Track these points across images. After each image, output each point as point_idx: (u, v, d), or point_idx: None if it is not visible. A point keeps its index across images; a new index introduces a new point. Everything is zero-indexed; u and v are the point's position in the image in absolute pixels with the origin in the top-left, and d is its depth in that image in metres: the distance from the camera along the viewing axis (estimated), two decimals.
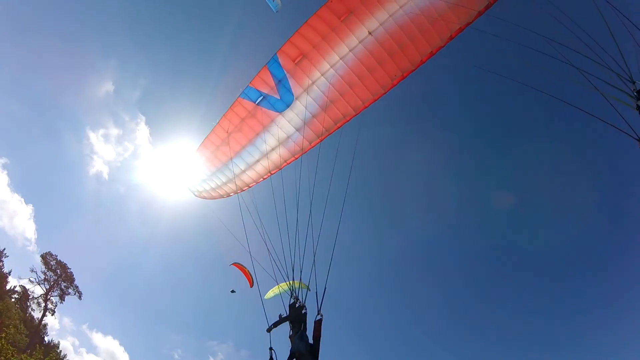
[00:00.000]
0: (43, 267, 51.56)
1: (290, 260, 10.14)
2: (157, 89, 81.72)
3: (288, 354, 8.91)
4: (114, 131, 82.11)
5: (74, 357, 61.08)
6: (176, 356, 75.93)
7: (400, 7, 11.30)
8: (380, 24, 11.67)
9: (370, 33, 11.79)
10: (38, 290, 51.17)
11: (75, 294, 53.45)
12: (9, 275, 48.59)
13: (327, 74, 12.72)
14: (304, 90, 12.96)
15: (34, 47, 67.85)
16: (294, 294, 9.88)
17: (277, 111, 13.50)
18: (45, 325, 51.64)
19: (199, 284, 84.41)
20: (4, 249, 48.33)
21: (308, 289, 9.71)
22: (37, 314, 50.70)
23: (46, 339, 50.30)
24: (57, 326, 69.89)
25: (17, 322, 40.42)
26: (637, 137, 6.18)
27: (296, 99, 13.23)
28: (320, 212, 11.04)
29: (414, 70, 12.49)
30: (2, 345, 29.23)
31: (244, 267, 21.97)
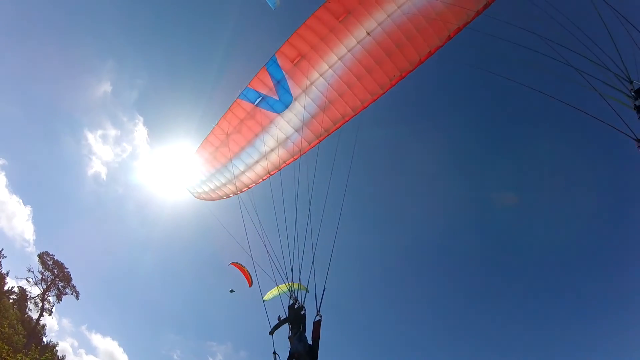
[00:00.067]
0: (40, 267, 51.44)
1: (289, 261, 10.15)
2: (154, 90, 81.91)
3: (287, 355, 8.93)
4: (112, 132, 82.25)
5: (73, 359, 61.07)
6: (175, 357, 75.97)
7: (399, 8, 11.29)
8: (379, 24, 11.66)
9: (368, 33, 11.79)
10: (35, 291, 50.98)
11: (72, 294, 53.36)
12: (7, 275, 48.50)
13: (325, 74, 12.72)
14: (303, 91, 12.96)
15: (32, 49, 68.03)
16: (293, 295, 9.89)
17: (276, 112, 13.50)
18: (43, 326, 51.55)
19: (197, 284, 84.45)
20: (2, 250, 48.30)
21: (307, 290, 9.71)
22: (34, 315, 50.50)
23: (45, 339, 50.17)
24: (56, 327, 69.94)
25: (15, 322, 40.37)
26: (634, 137, 6.18)
27: (295, 99, 13.22)
28: (319, 212, 11.06)
29: (413, 70, 12.48)
30: None
31: (243, 266, 21.88)
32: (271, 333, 9.63)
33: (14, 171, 71.17)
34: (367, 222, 70.73)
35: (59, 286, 52.41)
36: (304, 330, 9.24)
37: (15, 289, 49.36)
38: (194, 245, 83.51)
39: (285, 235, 10.58)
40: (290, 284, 10.06)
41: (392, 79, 12.67)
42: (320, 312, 9.19)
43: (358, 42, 11.99)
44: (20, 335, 40.24)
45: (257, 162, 14.41)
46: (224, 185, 15.22)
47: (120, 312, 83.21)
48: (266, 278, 10.81)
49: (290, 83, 12.99)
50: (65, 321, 71.31)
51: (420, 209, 68.09)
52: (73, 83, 78.14)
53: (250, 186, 15.06)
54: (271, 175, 14.56)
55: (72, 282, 53.11)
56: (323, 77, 12.77)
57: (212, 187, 15.48)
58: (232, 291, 23.83)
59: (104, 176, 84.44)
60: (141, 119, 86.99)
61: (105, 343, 76.63)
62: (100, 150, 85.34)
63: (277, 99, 13.29)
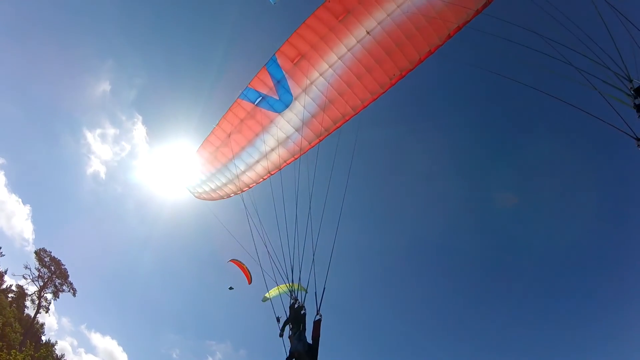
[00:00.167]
0: (37, 264, 51.16)
1: (289, 261, 10.16)
2: (153, 89, 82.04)
3: (287, 354, 8.95)
4: (111, 131, 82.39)
5: (72, 358, 61.18)
6: (174, 356, 76.16)
7: (398, 7, 11.28)
8: (378, 24, 11.65)
9: (368, 33, 11.78)
10: (32, 288, 50.72)
11: (69, 291, 53.00)
12: (5, 274, 48.47)
13: (325, 74, 12.72)
14: (303, 91, 12.96)
15: (30, 48, 68.20)
16: (294, 295, 9.91)
17: (276, 112, 13.50)
18: (42, 324, 51.41)
19: (197, 283, 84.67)
20: (0, 248, 48.30)
21: (305, 291, 9.73)
22: (31, 312, 50.35)
23: (43, 338, 50.04)
24: (55, 326, 70.38)
25: (12, 320, 40.43)
26: (634, 136, 6.16)
27: (295, 99, 13.23)
28: (319, 212, 11.07)
29: (413, 69, 12.47)
30: None
31: (242, 263, 21.76)
32: (281, 335, 9.61)
33: (13, 170, 71.54)
34: (367, 222, 70.82)
35: (56, 283, 52.12)
36: (304, 329, 9.27)
37: (14, 287, 49.19)
38: (193, 244, 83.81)
39: (285, 235, 10.60)
40: (291, 284, 10.07)
41: (392, 78, 12.66)
42: (320, 312, 9.22)
43: (358, 42, 11.98)
44: (17, 334, 40.23)
45: (257, 161, 14.43)
46: (225, 185, 15.25)
47: (119, 311, 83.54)
48: (267, 278, 10.83)
49: (290, 82, 13.00)
50: (64, 320, 71.61)
51: (420, 208, 68.08)
52: (72, 82, 78.39)
53: (250, 186, 15.08)
54: (272, 174, 14.57)
55: (69, 279, 52.96)
56: (323, 77, 12.77)
57: (213, 187, 15.51)
58: (231, 288, 23.61)
59: (103, 175, 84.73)
60: (140, 117, 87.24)
61: (104, 342, 77.05)
62: (99, 149, 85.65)
63: (278, 98, 13.29)
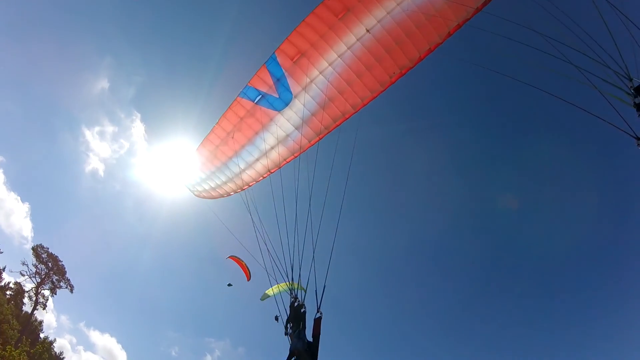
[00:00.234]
0: (34, 260, 50.76)
1: (289, 259, 10.18)
2: (152, 86, 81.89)
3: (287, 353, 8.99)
4: (110, 128, 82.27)
5: (71, 356, 61.22)
6: (173, 353, 76.41)
7: (398, 5, 11.25)
8: (378, 22, 11.62)
9: (368, 31, 11.75)
10: (30, 285, 50.40)
11: (67, 287, 52.71)
12: (3, 271, 48.25)
13: (325, 72, 12.71)
14: (303, 89, 12.95)
15: (29, 45, 67.94)
16: (294, 294, 9.94)
17: (276, 110, 13.49)
18: (41, 322, 51.23)
19: (195, 281, 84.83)
20: None
21: (304, 290, 9.76)
22: (28, 309, 50.07)
23: (42, 336, 49.85)
24: (54, 324, 70.40)
25: (10, 317, 40.40)
26: (634, 135, 6.17)
27: (295, 97, 13.21)
28: (319, 210, 11.08)
29: (412, 67, 12.46)
30: None
31: (241, 260, 21.73)
32: (286, 334, 9.62)
33: (11, 168, 71.40)
34: (367, 220, 70.86)
35: (53, 280, 51.78)
36: (304, 328, 9.30)
37: (12, 285, 48.85)
38: (192, 242, 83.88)
39: (285, 233, 10.62)
40: (290, 283, 10.10)
41: (391, 76, 12.65)
42: (321, 310, 9.26)
43: (357, 40, 11.96)
44: (15, 331, 40.18)
45: (257, 160, 14.43)
46: (225, 183, 15.25)
47: (118, 309, 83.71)
48: (267, 276, 10.85)
49: (290, 81, 12.98)
50: (63, 318, 71.75)
51: (420, 207, 68.07)
52: (70, 80, 78.16)
53: (251, 184, 15.08)
54: (271, 173, 14.58)
55: (67, 275, 52.62)
56: (323, 75, 12.76)
57: (213, 186, 15.51)
58: (230, 285, 23.59)
59: (101, 173, 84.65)
60: (138, 115, 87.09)
61: (103, 340, 77.19)
62: (98, 147, 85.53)
63: (277, 96, 13.28)
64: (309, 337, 9.09)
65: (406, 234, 71.61)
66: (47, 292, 51.37)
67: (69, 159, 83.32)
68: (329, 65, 12.54)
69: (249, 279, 21.64)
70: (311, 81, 12.86)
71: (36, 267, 50.72)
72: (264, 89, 13.18)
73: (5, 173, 70.28)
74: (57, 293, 52.41)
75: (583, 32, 7.03)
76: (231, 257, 22.02)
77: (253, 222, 12.04)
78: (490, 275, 66.24)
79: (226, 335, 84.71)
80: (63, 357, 52.23)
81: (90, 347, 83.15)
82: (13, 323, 41.09)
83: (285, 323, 9.67)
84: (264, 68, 12.90)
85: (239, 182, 14.94)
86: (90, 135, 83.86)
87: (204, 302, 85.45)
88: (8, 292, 47.81)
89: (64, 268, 52.56)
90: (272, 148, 14.08)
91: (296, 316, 9.53)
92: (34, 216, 73.53)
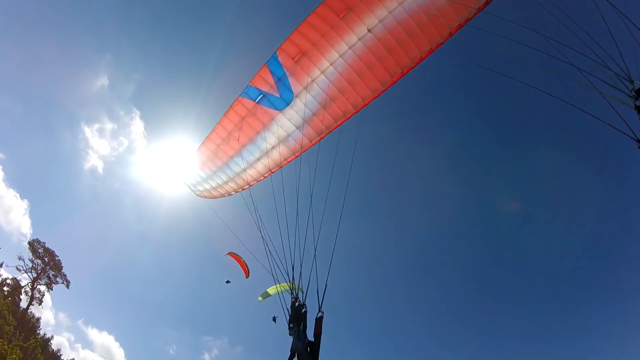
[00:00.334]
0: (31, 255, 50.35)
1: (290, 259, 10.21)
2: (151, 84, 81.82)
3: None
4: (109, 126, 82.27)
5: (69, 353, 61.39)
6: (171, 352, 76.71)
7: (399, 4, 11.25)
8: (380, 21, 11.62)
9: (369, 30, 11.74)
10: (26, 280, 50.06)
11: (63, 282, 52.36)
12: (0, 267, 48.08)
13: (326, 71, 12.71)
14: (304, 88, 12.95)
15: (28, 42, 67.84)
16: (294, 294, 9.97)
17: (277, 109, 13.51)
18: (38, 319, 50.91)
19: (194, 279, 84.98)
20: None
21: (302, 291, 9.81)
22: (25, 305, 49.77)
23: (40, 332, 49.58)
24: (52, 321, 70.61)
25: (5, 312, 40.41)
26: (635, 138, 6.18)
27: (296, 97, 13.23)
28: (320, 209, 11.11)
29: (414, 67, 12.46)
30: None
31: (240, 257, 21.69)
32: (291, 334, 9.64)
33: (10, 165, 71.38)
34: (368, 220, 70.88)
35: (50, 275, 51.38)
36: (305, 328, 9.33)
37: (9, 281, 48.46)
38: (190, 240, 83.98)
39: (286, 233, 10.65)
40: (291, 283, 10.12)
41: (393, 75, 12.65)
42: (322, 309, 9.29)
43: (359, 39, 11.96)
44: (11, 326, 40.15)
45: (258, 159, 14.45)
46: (225, 183, 15.27)
47: (116, 307, 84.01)
48: (267, 276, 10.89)
49: (291, 80, 12.99)
50: (61, 315, 71.96)
51: (421, 207, 68.06)
52: (70, 77, 78.08)
53: (252, 184, 15.11)
54: (272, 172, 14.60)
55: (63, 271, 52.29)
56: (324, 74, 12.76)
57: (213, 185, 15.54)
58: (228, 282, 23.49)
59: (100, 170, 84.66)
60: (138, 112, 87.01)
61: (101, 337, 77.47)
62: (97, 144, 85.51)
63: (278, 96, 13.29)
64: (310, 337, 9.13)
65: (406, 234, 71.67)
66: (43, 288, 51.09)
67: (68, 156, 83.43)
68: (330, 64, 12.55)
69: (247, 276, 21.62)
70: (312, 81, 12.87)
71: (32, 262, 50.39)
72: (265, 88, 13.20)
73: (4, 170, 70.43)
74: (53, 288, 52.18)
75: (584, 33, 7.03)
76: (230, 253, 21.99)
77: (256, 222, 12.07)
78: (490, 275, 66.26)
79: (224, 333, 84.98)
80: (61, 355, 52.52)
81: (88, 344, 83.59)
82: (9, 319, 41.08)
83: (288, 323, 9.69)
84: (265, 67, 12.91)
85: (240, 182, 14.98)
86: (89, 132, 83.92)
87: (202, 301, 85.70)
88: (5, 288, 47.68)
89: (61, 263, 52.36)
90: (273, 147, 14.10)
91: (297, 316, 9.56)
92: (33, 213, 73.68)
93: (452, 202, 68.25)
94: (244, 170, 14.65)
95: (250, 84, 13.26)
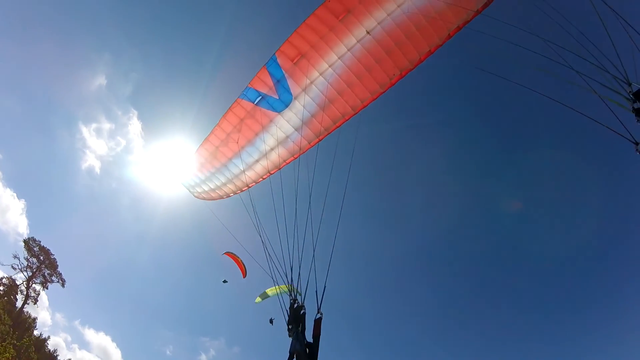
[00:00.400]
0: (26, 253, 49.79)
1: (289, 261, 10.20)
2: (149, 84, 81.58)
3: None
4: (107, 125, 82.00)
5: (66, 354, 60.98)
6: (168, 352, 76.43)
7: (398, 6, 11.28)
8: (379, 23, 11.65)
9: (368, 32, 11.77)
10: (21, 278, 49.49)
11: (58, 281, 51.93)
12: None
13: (325, 73, 12.73)
14: (303, 90, 12.97)
15: (26, 41, 67.57)
16: (292, 295, 9.95)
17: (276, 111, 13.51)
18: (35, 319, 50.48)
19: (191, 280, 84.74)
20: None
21: (299, 293, 9.80)
22: (20, 303, 49.39)
23: (36, 333, 49.07)
24: (49, 322, 70.30)
25: (1, 312, 40.14)
26: (633, 140, 6.21)
27: (295, 98, 13.24)
28: (319, 211, 11.11)
29: (413, 69, 12.50)
30: None
31: (237, 256, 21.62)
32: (290, 335, 9.62)
33: (8, 165, 70.99)
34: (367, 221, 70.85)
35: (45, 273, 50.89)
36: (303, 329, 9.31)
37: (5, 280, 47.90)
38: (187, 241, 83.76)
39: (285, 234, 10.64)
40: (289, 285, 10.10)
41: (392, 77, 12.68)
42: (321, 310, 9.27)
43: (358, 41, 11.99)
44: (7, 325, 39.91)
45: (257, 161, 14.45)
46: (224, 184, 15.26)
47: (113, 307, 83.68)
48: (266, 277, 10.87)
49: (290, 82, 13.00)
50: (58, 316, 71.67)
51: (421, 207, 68.10)
52: (68, 76, 77.68)
53: (250, 185, 15.10)
54: (271, 174, 14.60)
55: (58, 269, 51.84)
56: (323, 76, 12.78)
57: (212, 187, 15.53)
58: (225, 281, 23.41)
59: (97, 170, 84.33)
60: (135, 112, 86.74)
61: (98, 338, 77.12)
62: (95, 144, 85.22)
63: (277, 98, 13.30)
64: (309, 338, 9.11)
65: (406, 234, 71.67)
66: (38, 287, 50.49)
67: (66, 156, 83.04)
68: (329, 66, 12.57)
69: (244, 276, 21.56)
70: (311, 82, 12.89)
71: (28, 260, 49.79)
72: (264, 90, 13.20)
73: (1, 169, 69.97)
74: (48, 287, 51.69)
75: (582, 36, 7.07)
76: (227, 253, 21.91)
77: (255, 224, 12.05)
78: (490, 276, 66.32)
79: (221, 334, 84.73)
80: (57, 355, 52.19)
81: (85, 345, 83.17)
82: (5, 318, 40.82)
83: (287, 325, 9.66)
84: (264, 69, 12.92)
85: (238, 184, 14.97)
86: (87, 132, 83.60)
87: (199, 301, 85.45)
88: (1, 288, 47.22)
89: (56, 261, 51.86)
90: (272, 149, 14.10)
91: (296, 318, 9.54)
92: (30, 213, 73.29)
93: (452, 203, 68.35)
94: (243, 172, 14.64)
95: (249, 86, 13.27)
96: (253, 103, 13.47)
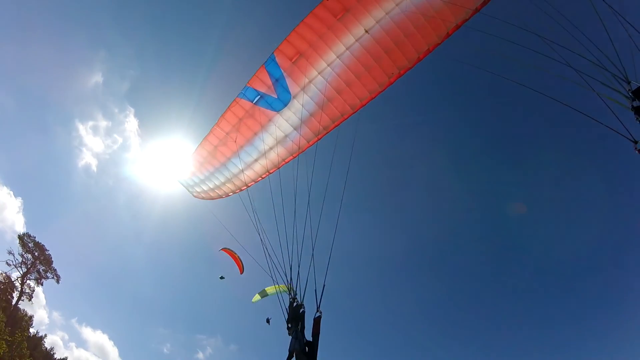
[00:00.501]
0: (20, 249, 49.13)
1: (288, 259, 10.20)
2: (146, 81, 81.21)
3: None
4: (103, 123, 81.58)
5: (63, 352, 60.82)
6: (165, 350, 76.31)
7: (397, 5, 11.26)
8: (377, 22, 11.63)
9: (366, 31, 11.75)
10: (15, 274, 48.76)
11: (53, 277, 51.40)
12: None
13: (324, 72, 12.71)
14: (301, 89, 12.95)
15: (22, 39, 67.21)
16: (292, 294, 9.95)
17: (275, 110, 13.49)
18: (31, 317, 50.00)
19: (188, 278, 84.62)
20: None
21: (295, 292, 9.81)
22: (14, 300, 49.20)
23: (32, 331, 48.59)
24: (46, 320, 70.14)
25: None
26: (632, 139, 6.21)
27: (293, 97, 13.22)
28: (318, 209, 11.11)
29: (411, 67, 12.48)
30: None
31: (234, 252, 21.49)
32: (290, 334, 9.62)
33: (4, 163, 70.59)
34: (367, 220, 70.86)
35: (40, 269, 50.34)
36: (303, 328, 9.32)
37: (0, 278, 47.49)
38: (184, 238, 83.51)
39: (284, 233, 10.63)
40: (289, 284, 10.10)
41: (390, 76, 12.66)
42: (321, 309, 9.28)
43: (356, 40, 11.96)
44: (2, 323, 39.75)
45: (256, 160, 14.43)
46: (223, 184, 15.25)
47: (110, 306, 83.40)
48: (265, 276, 10.87)
49: (288, 81, 12.98)
50: (55, 314, 71.55)
51: (421, 206, 68.11)
52: (64, 73, 77.11)
53: (249, 185, 15.09)
54: (270, 173, 14.58)
55: (53, 265, 51.20)
56: (321, 75, 12.76)
57: (211, 186, 15.51)
58: (222, 278, 23.23)
59: (94, 168, 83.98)
60: (132, 110, 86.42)
61: (95, 336, 76.81)
62: (91, 142, 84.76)
63: (276, 97, 13.27)
64: (309, 337, 9.12)
65: (406, 234, 71.64)
66: (32, 283, 49.84)
67: (62, 153, 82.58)
68: (328, 65, 12.55)
69: (242, 272, 21.44)
70: (310, 82, 12.87)
71: (22, 256, 49.17)
72: (262, 89, 13.18)
73: None
74: (43, 284, 51.14)
75: (581, 34, 7.06)
76: (224, 249, 21.77)
77: (254, 223, 12.04)
78: (490, 276, 66.37)
79: (218, 332, 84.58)
80: (54, 353, 52.03)
81: (82, 343, 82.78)
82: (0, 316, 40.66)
83: (286, 323, 9.67)
84: (262, 68, 12.89)
85: (237, 183, 14.95)
86: (83, 129, 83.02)
87: (196, 299, 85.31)
88: None
89: (51, 257, 51.29)
90: (271, 149, 14.08)
91: (295, 316, 9.55)
92: (27, 211, 72.86)
93: (452, 203, 68.30)
94: (242, 171, 14.62)
95: (248, 85, 13.24)
96: (252, 102, 13.45)
